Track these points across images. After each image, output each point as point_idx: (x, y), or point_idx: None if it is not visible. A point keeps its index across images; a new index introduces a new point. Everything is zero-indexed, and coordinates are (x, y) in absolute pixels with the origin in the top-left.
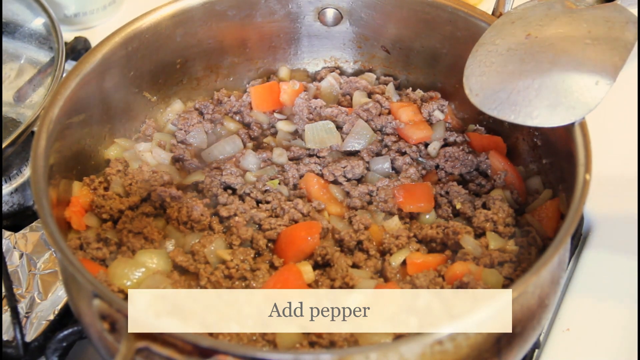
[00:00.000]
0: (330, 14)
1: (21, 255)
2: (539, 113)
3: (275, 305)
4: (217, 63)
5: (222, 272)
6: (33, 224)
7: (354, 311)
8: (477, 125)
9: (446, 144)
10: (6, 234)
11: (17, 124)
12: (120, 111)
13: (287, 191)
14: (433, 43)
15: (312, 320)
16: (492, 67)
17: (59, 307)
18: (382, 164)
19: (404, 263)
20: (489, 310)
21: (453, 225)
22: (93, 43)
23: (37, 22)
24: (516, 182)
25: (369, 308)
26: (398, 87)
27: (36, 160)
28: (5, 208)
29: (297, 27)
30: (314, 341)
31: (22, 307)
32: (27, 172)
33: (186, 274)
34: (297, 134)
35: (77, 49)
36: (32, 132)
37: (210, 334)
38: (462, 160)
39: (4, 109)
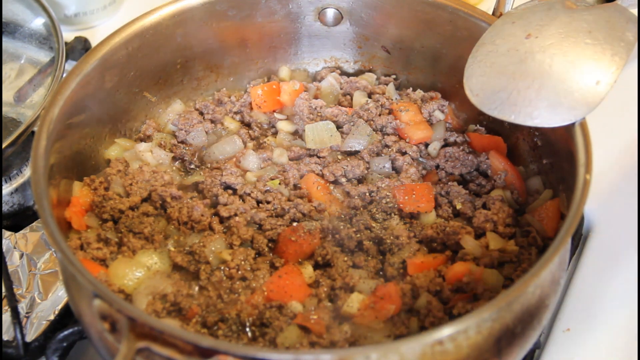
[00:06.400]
0: (330, 14)
1: (21, 255)
2: (539, 113)
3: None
4: (218, 63)
5: (222, 272)
6: (33, 224)
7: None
8: (477, 125)
9: (446, 144)
10: (6, 234)
11: (17, 124)
12: (121, 111)
13: (288, 191)
14: (433, 43)
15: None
16: (492, 68)
17: (59, 307)
18: (383, 164)
19: (404, 263)
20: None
21: (453, 225)
22: (93, 43)
23: (37, 22)
24: (516, 182)
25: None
26: (398, 87)
27: (36, 160)
28: (5, 208)
29: (298, 27)
30: (314, 341)
31: (22, 307)
32: (27, 172)
33: (186, 274)
34: (297, 134)
35: (77, 49)
36: (33, 132)
37: (211, 334)
38: (463, 160)
39: (4, 109)
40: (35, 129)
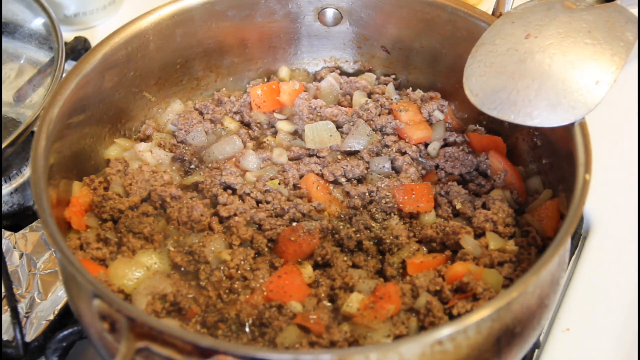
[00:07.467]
0: (330, 14)
1: (21, 255)
2: (539, 113)
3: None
4: (217, 63)
5: (222, 272)
6: (33, 224)
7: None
8: (477, 125)
9: (446, 144)
10: (6, 234)
11: (17, 124)
12: (120, 111)
13: (287, 191)
14: (433, 43)
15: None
16: (492, 67)
17: (59, 307)
18: (382, 164)
19: (403, 263)
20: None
21: (453, 225)
22: (93, 43)
23: (37, 22)
24: (516, 182)
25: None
26: (398, 87)
27: (36, 160)
28: (5, 208)
29: (297, 27)
30: (314, 341)
31: (22, 307)
32: (27, 172)
33: (186, 274)
34: (297, 134)
35: (77, 49)
36: (32, 132)
37: (210, 334)
38: (462, 160)
39: (4, 109)
40: (35, 129)
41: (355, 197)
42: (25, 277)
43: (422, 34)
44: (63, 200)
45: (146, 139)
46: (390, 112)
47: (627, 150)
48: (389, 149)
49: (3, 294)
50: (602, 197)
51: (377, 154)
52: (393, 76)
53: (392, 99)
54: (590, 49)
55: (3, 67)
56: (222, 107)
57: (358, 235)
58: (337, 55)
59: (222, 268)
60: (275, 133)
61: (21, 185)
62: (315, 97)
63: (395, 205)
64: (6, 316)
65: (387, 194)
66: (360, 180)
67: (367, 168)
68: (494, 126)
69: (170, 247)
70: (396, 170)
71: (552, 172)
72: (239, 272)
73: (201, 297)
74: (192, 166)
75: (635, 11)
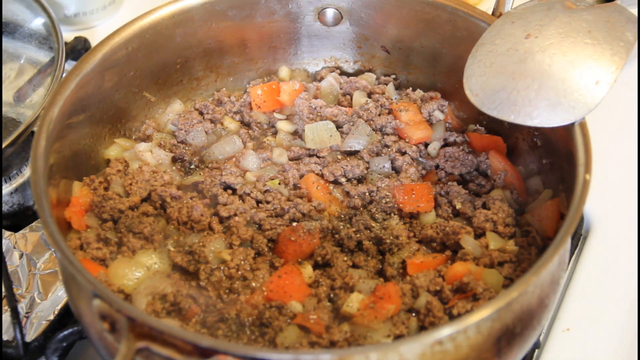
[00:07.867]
0: (330, 14)
1: (21, 255)
2: (539, 113)
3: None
4: (217, 63)
5: (222, 272)
6: (33, 224)
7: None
8: (477, 125)
9: (446, 144)
10: (6, 234)
11: (17, 124)
12: (120, 111)
13: (287, 191)
14: (433, 43)
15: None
16: (492, 67)
17: (59, 307)
18: (382, 164)
19: (403, 263)
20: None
21: (453, 225)
22: (93, 43)
23: (37, 22)
24: (516, 182)
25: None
26: (398, 87)
27: (36, 160)
28: (5, 208)
29: (297, 27)
30: (314, 341)
31: (22, 307)
32: (27, 172)
33: (186, 274)
34: (297, 134)
35: (77, 49)
36: (32, 132)
37: (210, 334)
38: (462, 160)
39: (4, 109)
40: (35, 129)
41: (355, 197)
42: (25, 277)
43: (422, 34)
44: (63, 200)
45: (146, 139)
46: (390, 112)
47: (627, 150)
48: (389, 149)
49: (3, 294)
50: (602, 197)
51: (377, 154)
52: (393, 76)
53: (392, 99)
54: (590, 49)
55: (3, 67)
56: (222, 107)
57: (358, 235)
58: (337, 55)
59: (222, 268)
60: (275, 133)
61: (21, 185)
62: (315, 97)
63: (395, 205)
64: (6, 316)
65: (387, 194)
66: (360, 180)
67: (367, 168)
68: (494, 126)
69: (170, 247)
70: (396, 170)
71: (552, 172)
72: (239, 272)
73: (201, 297)
74: (192, 166)
75: (635, 11)
